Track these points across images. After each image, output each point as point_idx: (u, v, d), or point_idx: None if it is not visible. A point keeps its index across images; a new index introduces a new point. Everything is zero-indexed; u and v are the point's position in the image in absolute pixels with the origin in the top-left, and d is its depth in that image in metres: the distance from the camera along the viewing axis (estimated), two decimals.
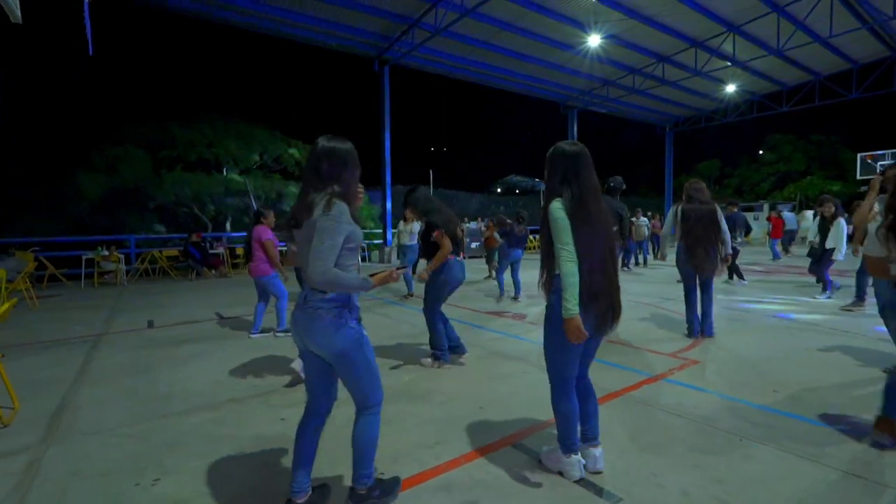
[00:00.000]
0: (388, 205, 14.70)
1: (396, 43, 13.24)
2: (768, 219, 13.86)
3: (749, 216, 17.64)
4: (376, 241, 15.06)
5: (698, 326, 4.65)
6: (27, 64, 17.13)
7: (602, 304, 2.00)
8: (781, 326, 5.13)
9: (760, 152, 30.75)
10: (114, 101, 19.36)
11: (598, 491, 2.07)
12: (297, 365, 3.69)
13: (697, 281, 4.64)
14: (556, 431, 2.21)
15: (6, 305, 3.26)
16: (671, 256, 4.98)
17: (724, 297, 6.82)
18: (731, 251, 4.64)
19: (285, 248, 4.14)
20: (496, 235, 7.97)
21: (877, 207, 3.45)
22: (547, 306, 2.09)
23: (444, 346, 3.92)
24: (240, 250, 12.82)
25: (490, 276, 9.58)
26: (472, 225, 15.61)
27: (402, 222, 8.60)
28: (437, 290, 3.90)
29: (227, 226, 15.39)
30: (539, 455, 2.33)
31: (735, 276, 8.41)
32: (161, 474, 2.30)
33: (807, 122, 27.58)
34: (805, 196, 25.44)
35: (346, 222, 1.73)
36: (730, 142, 34.62)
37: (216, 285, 9.91)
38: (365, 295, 7.41)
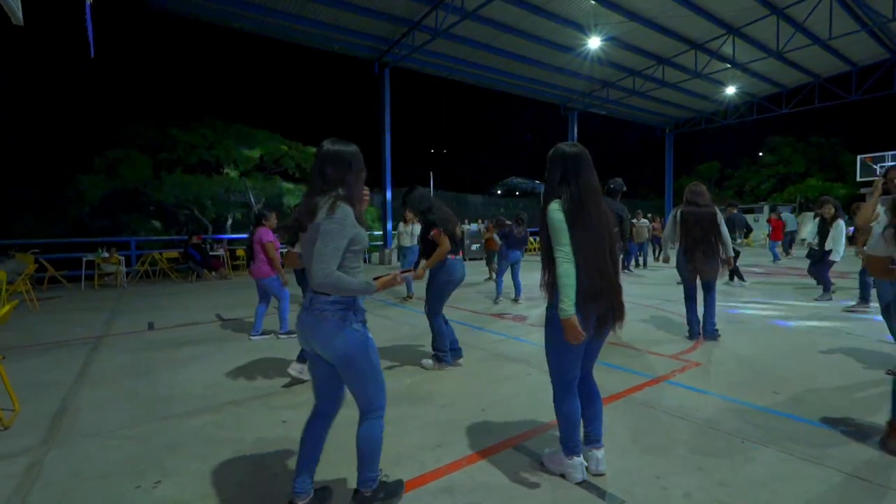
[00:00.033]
0: (389, 207, 14.71)
1: (397, 45, 13.27)
2: (768, 221, 13.87)
3: (749, 218, 17.65)
4: (376, 243, 15.05)
5: (698, 328, 4.64)
6: (28, 65, 17.17)
7: (602, 304, 2.00)
8: (782, 328, 5.12)
9: (760, 154, 30.79)
10: (114, 102, 19.41)
11: (601, 493, 2.06)
12: (295, 369, 3.68)
13: (699, 283, 4.63)
14: (557, 433, 2.21)
15: (7, 307, 3.26)
16: (673, 259, 4.98)
17: (725, 298, 6.81)
18: (732, 253, 4.63)
19: (285, 251, 4.15)
20: (496, 237, 7.97)
21: (880, 208, 3.45)
22: (548, 307, 2.09)
23: (447, 348, 3.91)
24: (240, 252, 12.82)
25: (490, 278, 9.57)
26: (473, 227, 15.62)
27: (401, 224, 8.60)
28: (439, 290, 3.89)
29: (228, 228, 15.39)
30: (541, 457, 2.32)
31: (735, 278, 8.40)
32: (162, 476, 2.29)
33: (806, 124, 27.66)
34: (805, 198, 25.44)
35: (351, 225, 1.72)
36: (730, 144, 34.69)
37: (216, 287, 9.91)
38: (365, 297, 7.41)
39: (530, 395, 3.22)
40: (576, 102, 19.04)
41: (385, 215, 14.80)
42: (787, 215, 13.81)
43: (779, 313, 5.90)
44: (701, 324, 4.63)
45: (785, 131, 29.18)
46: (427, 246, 3.85)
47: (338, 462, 2.28)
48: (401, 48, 13.25)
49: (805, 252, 7.18)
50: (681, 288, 4.81)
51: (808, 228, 6.98)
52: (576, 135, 19.82)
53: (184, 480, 2.26)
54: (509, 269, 7.33)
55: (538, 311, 6.27)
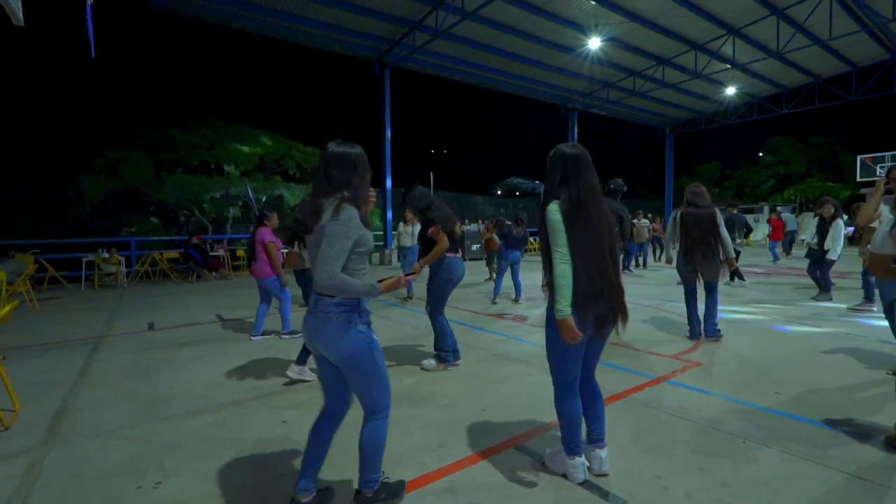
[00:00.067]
0: (389, 207, 14.71)
1: (397, 45, 13.27)
2: (769, 221, 13.87)
3: (749, 218, 17.65)
4: (377, 243, 15.06)
5: (699, 328, 4.64)
6: (28, 65, 17.17)
7: (602, 305, 1.99)
8: (783, 328, 5.11)
9: (760, 155, 30.79)
10: (115, 103, 19.42)
11: (603, 493, 2.06)
12: (294, 371, 3.68)
13: (701, 284, 4.62)
14: (559, 433, 2.20)
15: (7, 308, 3.26)
16: (675, 259, 4.98)
17: (725, 298, 6.80)
18: (733, 254, 4.63)
19: (286, 251, 4.14)
20: (495, 237, 7.97)
21: (883, 208, 3.46)
22: (548, 308, 2.09)
23: (450, 348, 3.90)
24: (240, 252, 12.82)
25: (490, 278, 9.57)
26: (473, 227, 15.62)
27: (401, 224, 8.59)
28: (440, 289, 3.88)
29: (228, 228, 15.40)
30: (543, 457, 2.32)
31: (735, 278, 8.41)
32: (163, 477, 2.29)
33: (806, 124, 27.67)
34: (805, 198, 25.45)
35: (356, 227, 1.72)
36: (730, 144, 34.71)
37: (217, 287, 9.90)
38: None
39: (531, 396, 3.22)
40: (576, 103, 19.04)
41: (385, 215, 14.80)
42: (787, 215, 13.80)
43: (779, 315, 5.89)
44: (702, 324, 4.63)
45: (785, 132, 29.21)
46: (426, 244, 3.84)
47: (340, 464, 2.27)
48: (401, 48, 13.26)
49: (804, 252, 7.18)
50: (681, 288, 4.81)
51: (808, 229, 7.00)
52: (576, 135, 19.83)
53: (184, 481, 2.25)
54: (509, 269, 7.32)
55: (539, 312, 6.27)
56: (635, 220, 11.62)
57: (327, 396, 1.94)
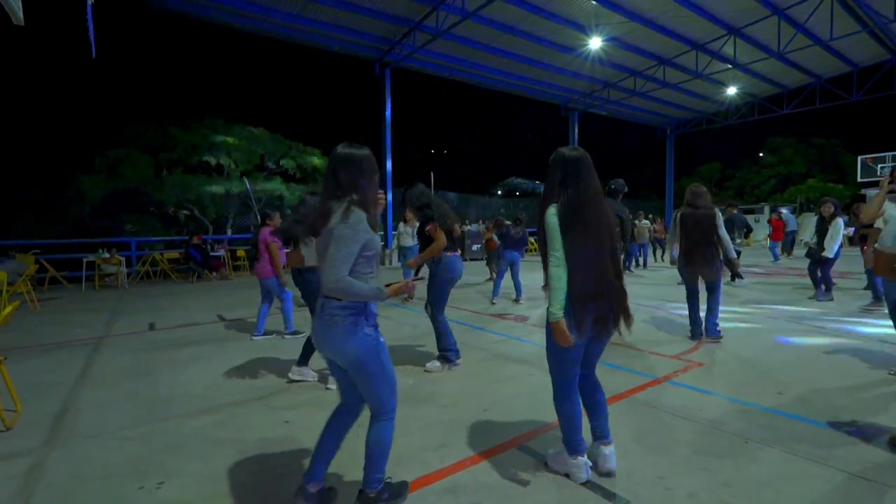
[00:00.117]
0: (389, 207, 14.69)
1: (398, 45, 13.27)
2: (769, 221, 13.86)
3: (750, 218, 17.64)
4: None
5: (701, 329, 4.63)
6: (28, 65, 17.18)
7: (600, 307, 1.99)
8: (785, 328, 5.11)
9: (761, 155, 30.77)
10: (115, 103, 19.41)
11: (606, 493, 2.05)
12: (295, 373, 3.68)
13: (702, 284, 4.61)
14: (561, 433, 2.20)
15: (9, 308, 3.26)
16: None
17: (725, 298, 6.80)
18: (734, 254, 4.62)
19: (289, 250, 4.13)
20: (495, 237, 7.97)
21: (887, 205, 3.46)
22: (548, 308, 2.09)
23: (452, 347, 3.90)
24: (241, 252, 12.82)
25: (490, 279, 9.56)
26: (473, 227, 15.62)
27: (401, 224, 8.59)
28: (440, 289, 3.88)
29: (228, 228, 15.39)
30: (545, 457, 2.32)
31: (735, 277, 8.39)
32: (164, 477, 2.28)
33: (807, 124, 27.64)
34: (806, 198, 25.44)
35: (364, 230, 1.72)
36: (731, 144, 34.68)
37: (217, 287, 9.90)
38: None
39: (533, 396, 3.21)
40: (576, 103, 19.04)
41: (385, 215, 14.80)
42: (787, 215, 13.80)
43: (780, 315, 5.88)
44: (703, 324, 4.62)
45: (786, 132, 29.19)
46: (424, 241, 3.84)
47: (344, 464, 2.26)
48: (402, 48, 13.25)
49: (805, 252, 7.19)
50: (682, 288, 4.80)
51: (808, 229, 7.03)
52: (576, 135, 19.83)
53: (186, 481, 2.25)
54: (510, 269, 7.31)
55: (540, 312, 6.26)
56: (636, 221, 11.62)
57: (343, 395, 1.96)
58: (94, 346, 5.00)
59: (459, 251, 4.01)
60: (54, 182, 13.41)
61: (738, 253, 7.94)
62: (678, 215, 4.62)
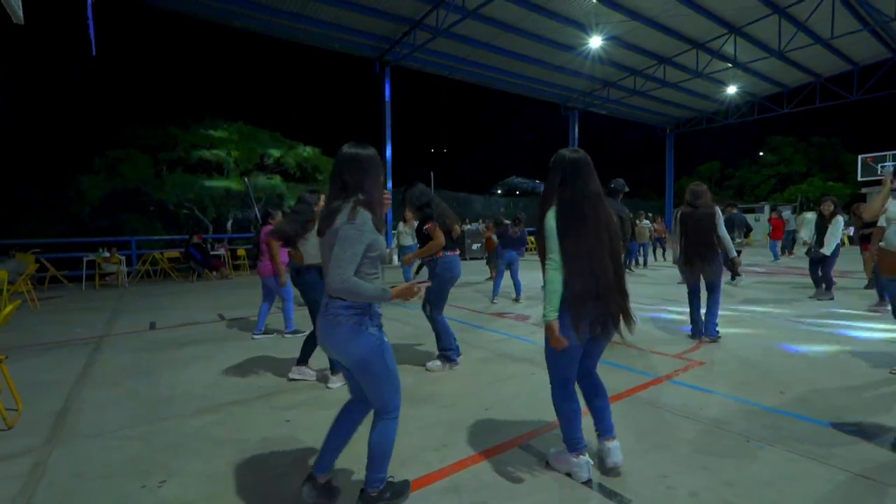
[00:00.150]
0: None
1: (398, 44, 13.26)
2: (769, 220, 13.86)
3: (749, 218, 17.65)
4: None
5: (701, 328, 4.62)
6: (28, 65, 17.16)
7: (598, 309, 1.98)
8: (785, 327, 5.11)
9: (761, 154, 30.77)
10: (115, 102, 19.40)
11: (608, 492, 2.05)
12: (295, 372, 3.68)
13: (702, 283, 4.61)
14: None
15: (9, 308, 3.25)
16: None
17: (725, 298, 6.80)
18: (734, 253, 4.61)
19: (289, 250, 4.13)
20: (494, 237, 7.97)
21: (890, 203, 3.47)
22: None
23: (452, 346, 3.90)
24: (241, 251, 12.82)
25: (490, 278, 9.56)
26: (473, 226, 15.62)
27: (401, 223, 8.60)
28: (439, 289, 3.87)
29: (229, 227, 15.39)
30: (547, 456, 2.32)
31: (734, 276, 8.40)
32: (166, 476, 2.28)
33: (807, 123, 27.67)
34: (806, 198, 25.44)
35: (369, 231, 1.72)
36: (731, 143, 34.73)
37: (217, 287, 9.90)
38: None
39: (534, 395, 3.21)
40: (576, 102, 19.03)
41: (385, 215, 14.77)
42: (788, 215, 13.81)
43: (780, 315, 5.88)
44: (703, 323, 4.61)
45: (786, 131, 29.21)
46: (423, 241, 3.84)
47: (344, 464, 2.26)
48: (402, 47, 13.24)
49: (805, 250, 7.19)
50: (682, 287, 4.79)
51: (807, 229, 7.04)
52: (576, 134, 19.82)
53: (188, 481, 2.25)
54: (509, 269, 7.31)
55: (540, 311, 6.24)
56: (637, 221, 11.62)
57: (352, 391, 1.99)
58: (95, 346, 5.00)
59: (458, 251, 4.01)
60: (54, 182, 13.40)
61: (739, 252, 7.95)
62: (678, 214, 4.61)
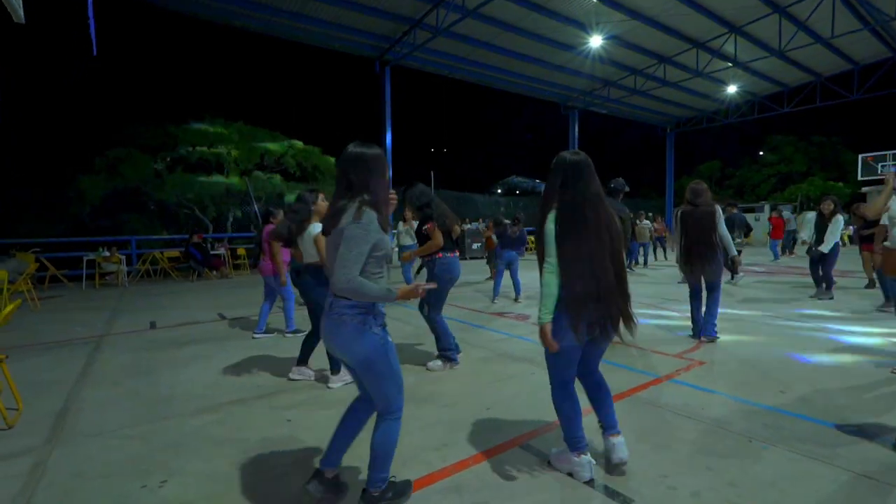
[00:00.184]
0: None
1: (398, 44, 13.25)
2: (769, 219, 13.87)
3: (750, 217, 17.64)
4: None
5: (702, 328, 4.61)
6: (28, 64, 17.15)
7: (598, 311, 1.98)
8: (786, 327, 5.10)
9: (761, 153, 30.75)
10: (115, 102, 19.39)
11: (610, 492, 2.05)
12: (295, 373, 3.67)
13: (703, 283, 4.60)
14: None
15: (10, 307, 3.25)
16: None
17: (725, 298, 6.79)
18: (734, 252, 4.60)
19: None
20: (494, 237, 7.97)
21: (893, 203, 3.47)
22: None
23: (452, 346, 3.90)
24: (241, 250, 12.82)
25: (491, 277, 9.56)
26: (473, 226, 15.61)
27: (401, 223, 8.59)
28: (438, 290, 3.87)
29: (229, 226, 15.38)
30: (549, 456, 2.31)
31: (733, 275, 8.39)
32: (167, 476, 2.28)
33: (808, 123, 27.64)
34: (806, 197, 25.43)
35: (375, 231, 1.72)
36: (731, 143, 34.71)
37: (218, 286, 9.90)
38: None
39: (535, 394, 3.20)
40: (576, 101, 19.02)
41: None
42: (788, 214, 13.81)
43: (781, 315, 5.87)
44: (704, 322, 4.59)
45: (786, 130, 29.18)
46: (423, 241, 3.85)
47: (346, 464, 2.26)
48: (402, 46, 13.24)
49: (805, 249, 7.19)
50: (682, 287, 4.78)
51: (808, 229, 7.05)
52: (576, 133, 19.82)
53: (188, 480, 2.24)
54: (508, 269, 7.31)
55: None
56: (637, 221, 11.61)
57: (360, 388, 2.00)
58: (95, 345, 5.00)
59: (458, 252, 4.01)
60: (54, 182, 13.40)
61: (739, 252, 7.94)
62: (679, 213, 4.60)
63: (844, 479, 2.11)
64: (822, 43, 13.74)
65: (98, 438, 2.73)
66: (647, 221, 12.28)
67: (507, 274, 7.38)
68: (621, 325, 2.07)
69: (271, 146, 15.36)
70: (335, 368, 3.52)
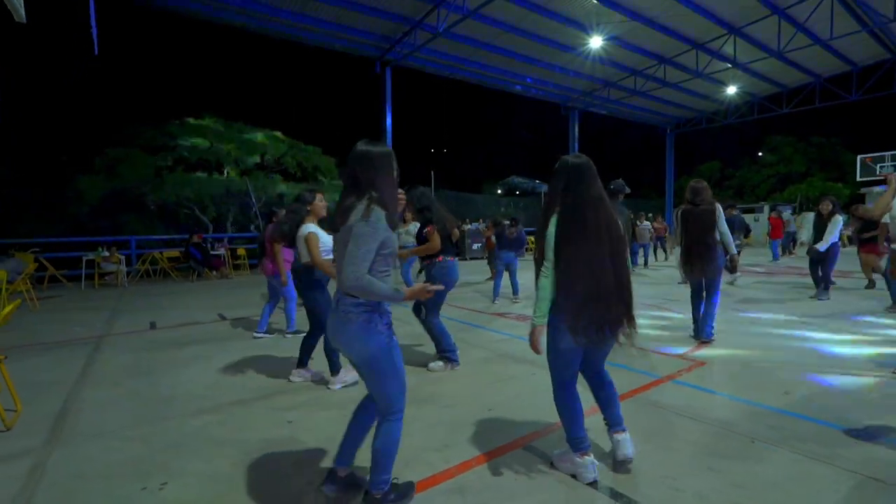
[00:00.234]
0: None
1: (398, 44, 13.25)
2: (769, 219, 13.89)
3: (749, 218, 17.66)
4: None
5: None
6: (28, 64, 17.12)
7: (598, 312, 1.97)
8: (788, 328, 5.10)
9: (760, 154, 30.79)
10: (115, 102, 19.36)
11: (614, 493, 2.04)
12: (296, 375, 3.66)
13: (703, 282, 4.59)
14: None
15: (9, 307, 3.23)
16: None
17: (725, 298, 6.79)
18: (734, 250, 4.59)
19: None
20: (493, 238, 7.98)
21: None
22: (549, 310, 2.09)
23: (452, 347, 3.89)
24: (241, 251, 12.80)
25: (491, 278, 9.55)
26: (474, 226, 15.61)
27: (401, 223, 8.58)
28: (436, 294, 3.86)
29: (229, 226, 15.36)
30: (551, 457, 2.30)
31: (731, 273, 8.39)
32: (167, 478, 2.27)
33: (807, 123, 27.63)
34: (806, 197, 25.46)
35: (383, 229, 1.73)
36: (730, 143, 34.68)
37: (217, 286, 9.88)
38: None
39: (536, 395, 3.20)
40: (577, 102, 19.03)
41: None
42: (788, 215, 13.83)
43: (782, 315, 5.87)
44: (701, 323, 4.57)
45: (786, 131, 29.20)
46: (422, 244, 3.85)
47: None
48: (402, 47, 13.23)
49: (805, 250, 7.20)
50: (682, 287, 4.78)
51: (807, 229, 7.08)
52: (576, 134, 19.82)
53: (189, 482, 2.23)
54: (507, 270, 7.31)
55: None
56: (637, 222, 11.62)
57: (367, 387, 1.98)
58: (95, 345, 4.98)
59: (457, 256, 4.02)
60: (54, 182, 13.38)
61: (738, 252, 7.94)
62: (679, 212, 4.58)
63: (849, 480, 2.11)
64: (821, 44, 13.76)
65: (98, 439, 2.72)
66: (647, 222, 12.28)
67: (507, 275, 7.38)
68: (622, 326, 2.06)
69: (259, 136, 15.38)
70: (335, 370, 3.52)
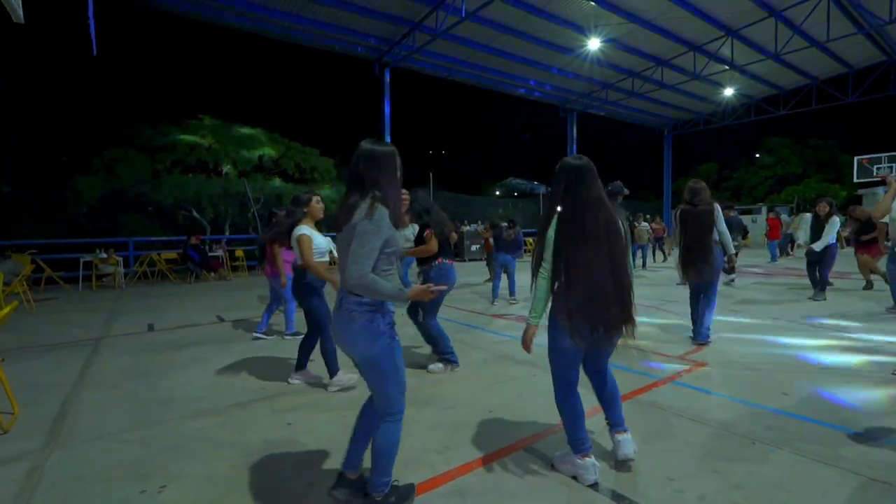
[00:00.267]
0: None
1: (397, 46, 13.25)
2: (767, 220, 13.93)
3: (747, 219, 17.71)
4: None
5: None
6: (27, 64, 17.08)
7: (597, 313, 1.97)
8: (785, 329, 5.11)
9: (758, 155, 30.92)
10: (113, 102, 19.32)
11: (615, 495, 2.03)
12: (295, 378, 3.65)
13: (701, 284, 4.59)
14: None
15: (6, 309, 3.21)
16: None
17: (725, 299, 6.80)
18: (732, 250, 4.59)
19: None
20: (491, 239, 7.99)
21: None
22: (550, 310, 2.11)
23: (451, 349, 3.89)
24: (239, 252, 12.77)
25: (489, 280, 9.55)
26: (472, 227, 15.62)
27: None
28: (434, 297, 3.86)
29: (226, 228, 15.33)
30: (552, 459, 2.30)
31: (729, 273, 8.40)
32: (166, 481, 2.25)
33: (804, 125, 27.81)
34: (803, 199, 25.56)
35: (387, 227, 1.72)
36: (728, 145, 34.85)
37: (215, 288, 9.85)
38: None
39: (537, 397, 3.19)
40: (575, 103, 19.07)
41: None
42: (785, 217, 13.88)
43: (782, 315, 5.88)
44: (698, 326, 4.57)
45: (783, 132, 29.36)
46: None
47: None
48: (401, 48, 13.24)
49: (803, 251, 7.23)
50: (681, 288, 4.78)
51: (804, 231, 7.11)
52: (575, 135, 19.85)
53: (188, 484, 2.22)
54: (505, 271, 7.31)
55: None
56: (636, 223, 11.64)
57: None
58: (93, 347, 4.96)
59: (454, 259, 4.03)
60: (54, 182, 13.35)
61: (736, 253, 7.96)
62: (678, 213, 4.58)
63: (850, 480, 2.11)
64: (818, 47, 13.82)
65: (97, 442, 2.70)
66: (646, 224, 12.29)
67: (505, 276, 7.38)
68: (620, 327, 2.06)
69: (250, 130, 15.39)
70: (334, 372, 3.51)
